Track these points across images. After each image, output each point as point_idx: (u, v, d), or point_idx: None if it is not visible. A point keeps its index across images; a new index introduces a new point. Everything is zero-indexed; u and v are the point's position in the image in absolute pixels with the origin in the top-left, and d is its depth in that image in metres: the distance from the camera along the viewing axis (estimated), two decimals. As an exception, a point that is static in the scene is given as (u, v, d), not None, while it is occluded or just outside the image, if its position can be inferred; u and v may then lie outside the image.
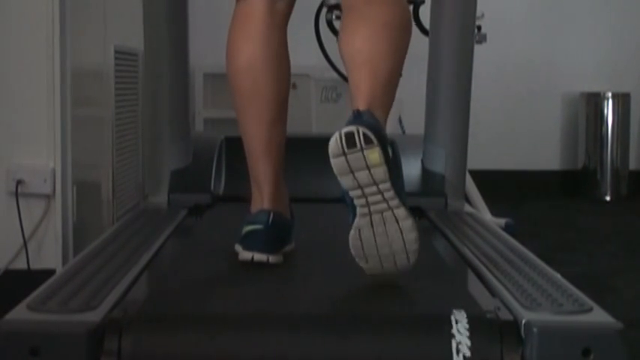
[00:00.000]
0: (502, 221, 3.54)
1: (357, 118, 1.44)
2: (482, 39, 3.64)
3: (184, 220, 2.19)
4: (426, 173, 2.51)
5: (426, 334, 1.32)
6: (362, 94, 1.51)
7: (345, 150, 1.39)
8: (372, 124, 1.42)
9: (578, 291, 1.46)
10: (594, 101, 4.87)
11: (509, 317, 1.33)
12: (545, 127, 5.05)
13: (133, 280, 1.54)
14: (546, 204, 4.65)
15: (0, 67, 2.44)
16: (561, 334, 1.28)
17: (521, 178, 4.96)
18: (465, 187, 2.57)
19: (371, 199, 1.43)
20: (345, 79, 3.76)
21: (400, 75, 1.61)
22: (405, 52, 1.61)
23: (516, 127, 5.01)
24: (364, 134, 1.38)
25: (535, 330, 1.27)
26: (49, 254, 2.45)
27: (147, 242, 1.85)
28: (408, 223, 1.45)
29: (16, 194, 2.43)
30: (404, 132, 3.81)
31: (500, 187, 4.62)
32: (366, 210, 1.43)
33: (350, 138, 1.39)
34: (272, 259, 1.63)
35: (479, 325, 1.31)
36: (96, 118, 2.88)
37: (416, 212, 2.31)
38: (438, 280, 1.60)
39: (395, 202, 1.43)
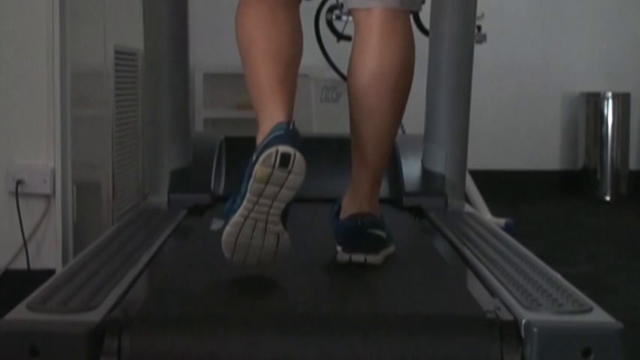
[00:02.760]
0: (502, 221, 3.54)
1: (361, 230, 1.67)
2: (482, 39, 3.64)
3: (184, 220, 2.19)
4: (426, 173, 2.51)
5: (427, 334, 1.32)
6: (366, 182, 1.72)
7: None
8: (375, 241, 1.68)
9: (578, 291, 1.46)
10: (594, 101, 4.87)
11: (509, 317, 1.33)
12: (545, 127, 5.05)
13: (133, 280, 1.54)
14: (546, 204, 4.65)
15: (0, 68, 2.44)
16: (561, 334, 1.28)
17: (521, 178, 4.96)
18: (465, 187, 2.57)
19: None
20: (345, 78, 3.76)
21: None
22: (404, 107, 1.74)
23: (516, 127, 5.01)
24: (370, 264, 1.64)
25: (535, 330, 1.27)
26: (49, 254, 2.45)
27: (147, 242, 1.85)
28: (390, 252, 1.75)
29: (16, 194, 2.43)
30: (404, 132, 3.80)
31: (500, 187, 4.63)
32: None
33: (358, 264, 1.64)
34: (298, 156, 1.42)
35: (479, 325, 1.31)
36: (96, 118, 2.88)
37: (416, 212, 2.31)
38: (438, 280, 1.60)
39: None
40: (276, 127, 1.47)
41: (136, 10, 2.57)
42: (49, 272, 2.14)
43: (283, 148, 1.41)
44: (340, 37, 3.72)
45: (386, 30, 1.68)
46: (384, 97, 1.67)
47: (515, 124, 5.01)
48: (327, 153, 2.55)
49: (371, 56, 1.68)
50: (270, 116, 1.53)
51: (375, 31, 1.67)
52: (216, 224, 1.87)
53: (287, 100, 1.56)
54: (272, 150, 1.41)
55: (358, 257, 1.63)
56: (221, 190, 2.54)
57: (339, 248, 1.68)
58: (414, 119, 2.79)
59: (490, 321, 1.32)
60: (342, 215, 1.73)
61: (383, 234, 1.70)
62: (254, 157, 1.47)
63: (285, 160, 1.40)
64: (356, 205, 1.72)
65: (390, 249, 1.74)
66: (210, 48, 4.44)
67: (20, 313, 1.32)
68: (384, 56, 1.67)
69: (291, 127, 1.47)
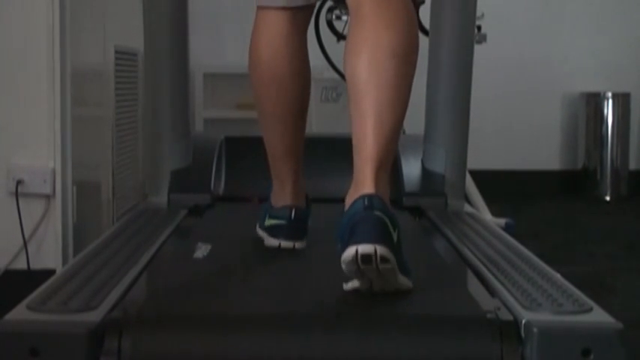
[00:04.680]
0: (502, 221, 3.54)
1: (369, 210, 1.37)
2: (482, 39, 3.64)
3: (184, 220, 2.19)
4: (426, 173, 2.51)
5: (427, 334, 1.32)
6: (367, 161, 1.44)
7: (360, 265, 1.35)
8: (385, 230, 1.37)
9: (578, 291, 1.46)
10: (594, 101, 4.87)
11: (509, 317, 1.33)
12: (545, 127, 5.05)
13: (133, 280, 1.54)
14: (546, 204, 4.65)
15: (0, 67, 2.44)
16: (561, 334, 1.28)
17: (521, 178, 4.96)
18: (465, 187, 2.57)
19: (375, 281, 1.41)
20: (345, 79, 3.75)
21: (405, 112, 1.52)
22: (411, 83, 1.51)
23: (516, 127, 5.01)
24: (382, 256, 1.34)
25: (535, 330, 1.27)
26: (49, 254, 2.45)
27: (147, 242, 1.85)
28: (407, 285, 1.44)
29: (16, 194, 2.43)
30: (404, 132, 3.80)
31: (500, 187, 4.62)
32: (368, 284, 1.42)
33: (366, 258, 1.34)
34: (298, 245, 1.79)
35: (479, 325, 1.31)
36: (96, 118, 2.88)
37: (416, 212, 2.31)
38: (437, 280, 1.60)
39: (399, 282, 1.42)
40: (281, 213, 1.80)
41: (136, 10, 2.57)
42: (49, 272, 2.14)
43: (285, 243, 1.80)
44: (340, 37, 3.72)
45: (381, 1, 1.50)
46: (383, 63, 1.46)
47: (516, 124, 5.01)
48: (327, 153, 2.55)
49: (363, 23, 1.50)
50: (279, 188, 1.84)
51: (368, 2, 1.50)
52: (200, 250, 1.76)
53: (296, 163, 1.82)
54: (275, 242, 1.81)
55: (366, 248, 1.34)
56: (221, 190, 2.54)
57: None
58: (414, 119, 2.79)
59: (490, 321, 1.32)
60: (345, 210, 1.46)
61: (395, 233, 1.40)
62: (267, 215, 1.84)
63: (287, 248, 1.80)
64: (358, 192, 1.43)
65: (406, 282, 1.45)
66: (210, 48, 4.45)
67: (20, 313, 1.32)
68: (379, 20, 1.48)
69: (292, 215, 1.79)
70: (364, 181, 1.43)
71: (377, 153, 1.44)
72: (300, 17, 1.77)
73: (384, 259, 1.34)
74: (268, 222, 1.83)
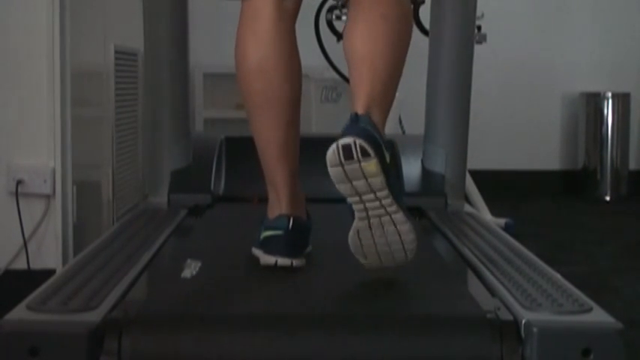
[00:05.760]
0: (502, 221, 3.54)
1: (354, 123, 1.45)
2: (482, 39, 3.64)
3: (184, 220, 2.19)
4: (426, 173, 2.51)
5: (427, 334, 1.32)
6: (360, 94, 1.53)
7: (343, 161, 1.41)
8: (368, 133, 1.44)
9: (578, 291, 1.46)
10: (594, 101, 4.87)
11: (509, 317, 1.33)
12: (545, 127, 5.05)
13: (133, 280, 1.54)
14: (546, 204, 4.65)
15: (0, 67, 2.44)
16: (561, 334, 1.28)
17: (521, 178, 4.96)
18: (465, 187, 2.57)
19: (369, 205, 1.44)
20: (345, 79, 3.76)
21: (401, 71, 1.61)
22: (406, 46, 1.61)
23: (516, 127, 5.01)
24: (361, 147, 1.40)
25: (535, 330, 1.27)
26: (49, 254, 2.45)
27: (147, 242, 1.85)
28: (406, 226, 1.47)
29: (16, 194, 2.43)
30: (404, 132, 3.81)
31: (500, 187, 4.63)
32: (364, 214, 1.45)
33: (347, 150, 1.41)
34: (295, 262, 1.63)
35: (479, 325, 1.31)
36: (96, 118, 2.88)
37: (416, 212, 2.31)
38: (438, 280, 1.60)
39: (393, 208, 1.45)
40: (277, 223, 1.65)
41: (136, 10, 2.57)
42: (49, 272, 2.15)
43: (282, 261, 1.62)
44: (340, 37, 3.72)
45: None
46: (375, 23, 1.57)
47: (516, 124, 5.01)
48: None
49: (359, 6, 1.62)
50: (275, 197, 1.70)
51: None
52: (188, 269, 1.65)
53: (290, 168, 1.69)
54: (271, 260, 1.63)
55: (346, 140, 1.42)
56: (221, 190, 2.54)
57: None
58: (414, 119, 2.79)
59: (490, 321, 1.32)
60: None
61: (387, 153, 1.46)
62: (262, 231, 1.67)
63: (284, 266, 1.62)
64: None
65: (402, 218, 1.48)
66: (210, 48, 4.44)
67: (20, 313, 1.32)
68: (374, 3, 1.60)
69: (290, 225, 1.63)
70: (356, 109, 1.50)
71: (371, 91, 1.52)
72: (288, 4, 1.70)
73: (364, 151, 1.40)
74: (263, 234, 1.67)
